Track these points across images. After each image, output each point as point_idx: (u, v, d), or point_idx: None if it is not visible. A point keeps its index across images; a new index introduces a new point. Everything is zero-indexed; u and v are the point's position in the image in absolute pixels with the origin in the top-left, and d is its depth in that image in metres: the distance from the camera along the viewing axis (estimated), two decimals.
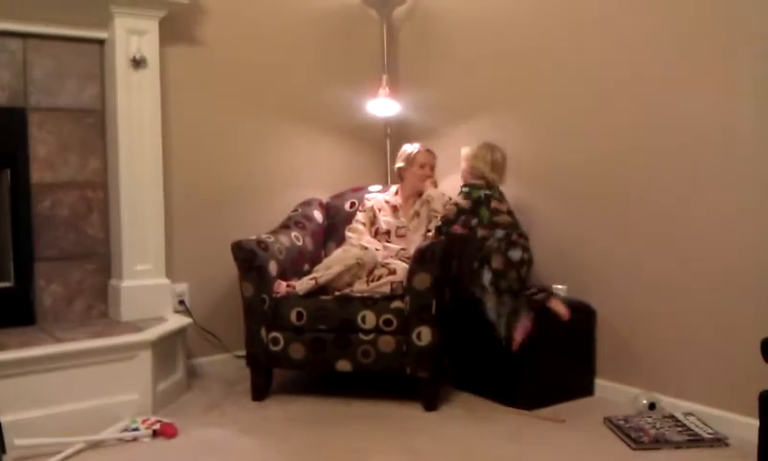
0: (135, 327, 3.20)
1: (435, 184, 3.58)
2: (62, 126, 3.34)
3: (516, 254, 3.11)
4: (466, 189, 3.29)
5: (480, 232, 3.21)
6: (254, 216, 3.74)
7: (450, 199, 3.42)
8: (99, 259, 3.46)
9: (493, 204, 3.23)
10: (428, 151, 3.61)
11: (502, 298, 3.06)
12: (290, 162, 3.95)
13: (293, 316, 3.15)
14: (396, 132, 4.17)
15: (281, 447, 2.72)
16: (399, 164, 3.64)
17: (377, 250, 3.43)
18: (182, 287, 3.61)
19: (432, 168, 3.59)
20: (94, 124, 3.42)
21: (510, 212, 3.27)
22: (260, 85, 3.83)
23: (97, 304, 3.46)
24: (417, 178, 3.57)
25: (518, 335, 2.99)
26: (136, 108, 3.35)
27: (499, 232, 3.16)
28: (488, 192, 3.24)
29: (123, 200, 3.35)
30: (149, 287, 3.41)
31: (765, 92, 2.62)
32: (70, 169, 3.37)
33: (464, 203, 3.24)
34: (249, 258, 3.19)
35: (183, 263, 3.60)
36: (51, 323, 3.30)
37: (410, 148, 3.63)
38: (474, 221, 3.23)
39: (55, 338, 3.01)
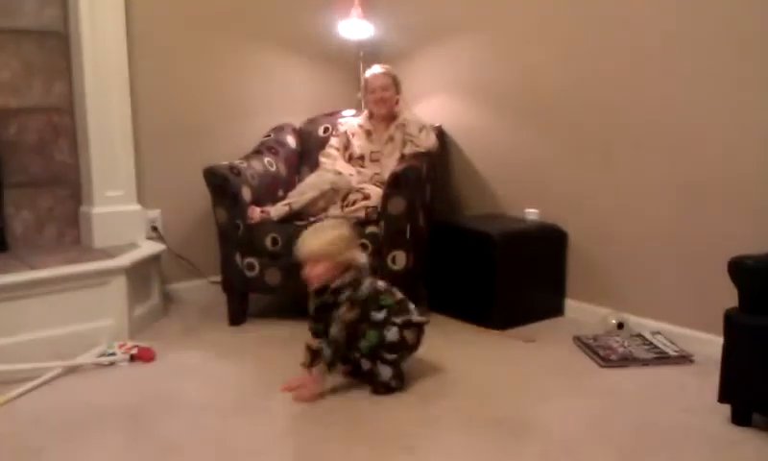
0: (108, 253, 3.18)
1: (407, 107, 3.53)
2: (24, 48, 3.23)
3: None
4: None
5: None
6: (227, 142, 3.69)
7: (425, 125, 3.41)
8: (69, 185, 3.40)
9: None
10: (382, 73, 3.49)
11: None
12: (262, 87, 3.87)
13: (268, 242, 3.15)
14: (370, 54, 4.09)
15: (258, 368, 2.76)
16: (359, 94, 3.56)
17: (351, 175, 3.42)
18: (155, 214, 3.57)
19: (384, 88, 3.46)
20: (57, 46, 3.30)
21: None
22: (230, 7, 3.72)
23: (69, 231, 3.42)
24: (372, 104, 3.52)
25: None
26: (100, 29, 3.25)
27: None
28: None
29: (90, 125, 3.27)
30: (121, 214, 3.38)
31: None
32: (35, 94, 3.28)
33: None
34: (221, 184, 3.16)
35: (156, 189, 3.56)
36: (23, 250, 3.26)
37: (367, 73, 3.55)
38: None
39: (28, 265, 2.98)
